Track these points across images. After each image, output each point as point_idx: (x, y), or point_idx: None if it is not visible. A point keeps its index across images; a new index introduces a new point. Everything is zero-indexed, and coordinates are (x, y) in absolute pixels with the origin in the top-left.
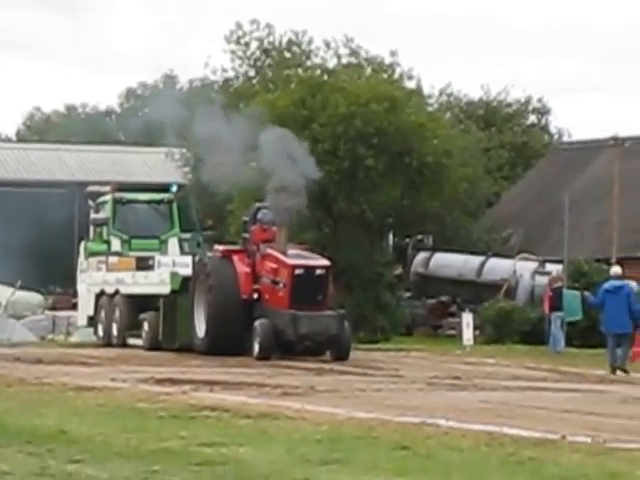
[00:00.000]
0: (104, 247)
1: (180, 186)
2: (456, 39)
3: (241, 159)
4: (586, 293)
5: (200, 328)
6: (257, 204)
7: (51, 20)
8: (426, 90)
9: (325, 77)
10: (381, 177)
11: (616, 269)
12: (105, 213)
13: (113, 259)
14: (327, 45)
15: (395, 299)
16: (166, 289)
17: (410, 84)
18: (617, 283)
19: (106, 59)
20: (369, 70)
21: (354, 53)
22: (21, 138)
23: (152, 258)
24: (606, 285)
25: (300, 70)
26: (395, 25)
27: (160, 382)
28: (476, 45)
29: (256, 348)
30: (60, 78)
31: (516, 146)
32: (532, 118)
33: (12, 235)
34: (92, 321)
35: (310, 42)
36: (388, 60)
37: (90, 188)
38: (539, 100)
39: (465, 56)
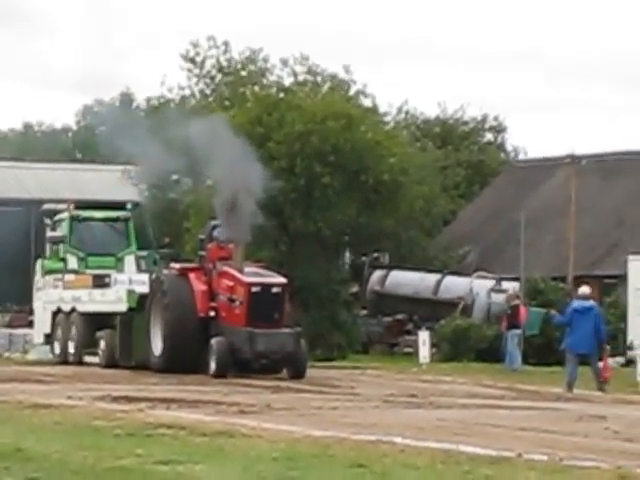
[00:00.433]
0: (60, 265)
1: (136, 204)
2: (413, 57)
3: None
4: (552, 312)
5: (156, 346)
6: (213, 222)
7: (8, 38)
8: (383, 108)
9: (281, 95)
10: (337, 195)
11: (584, 289)
12: (62, 231)
13: (69, 277)
14: (283, 63)
15: (351, 317)
16: (123, 307)
17: (366, 102)
18: (586, 304)
19: (62, 77)
20: (325, 87)
21: (310, 71)
22: None
23: (108, 276)
24: (575, 305)
25: (256, 88)
26: (352, 44)
27: (116, 400)
28: (433, 63)
29: (212, 366)
30: (17, 96)
31: (472, 164)
32: (488, 136)
33: None
34: (49, 339)
35: (266, 60)
36: (342, 76)
37: (46, 206)
38: (495, 118)
39: (422, 74)
